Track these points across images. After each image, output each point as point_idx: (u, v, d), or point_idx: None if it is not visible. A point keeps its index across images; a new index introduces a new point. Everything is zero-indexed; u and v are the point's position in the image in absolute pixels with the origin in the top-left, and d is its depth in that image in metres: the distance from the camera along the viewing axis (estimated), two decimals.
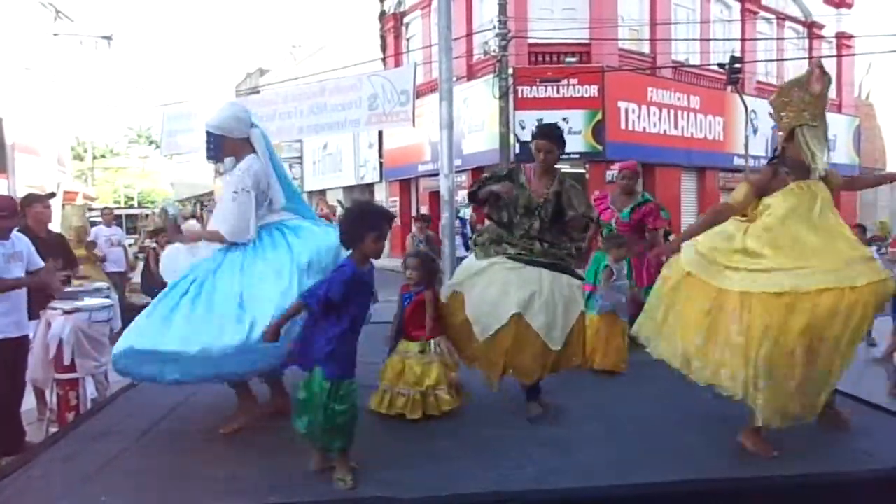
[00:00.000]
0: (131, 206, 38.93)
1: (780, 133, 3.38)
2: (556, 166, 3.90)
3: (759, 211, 3.30)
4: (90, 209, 17.81)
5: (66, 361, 4.30)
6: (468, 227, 12.00)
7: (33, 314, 4.62)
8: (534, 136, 3.92)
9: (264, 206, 3.66)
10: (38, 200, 5.33)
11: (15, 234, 4.54)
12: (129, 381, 4.64)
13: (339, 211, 10.75)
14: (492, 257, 3.77)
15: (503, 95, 16.73)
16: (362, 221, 2.93)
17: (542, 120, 17.46)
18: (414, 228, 9.76)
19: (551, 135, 3.86)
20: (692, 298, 3.28)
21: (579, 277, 3.89)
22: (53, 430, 4.53)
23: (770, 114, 3.48)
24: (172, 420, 3.85)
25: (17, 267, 4.40)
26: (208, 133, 3.72)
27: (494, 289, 3.66)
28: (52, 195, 5.79)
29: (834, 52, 24.18)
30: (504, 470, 3.06)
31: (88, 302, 4.58)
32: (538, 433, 3.53)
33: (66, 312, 4.23)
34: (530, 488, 2.88)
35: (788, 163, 3.31)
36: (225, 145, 3.69)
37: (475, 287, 3.72)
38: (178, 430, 3.70)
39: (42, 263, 4.61)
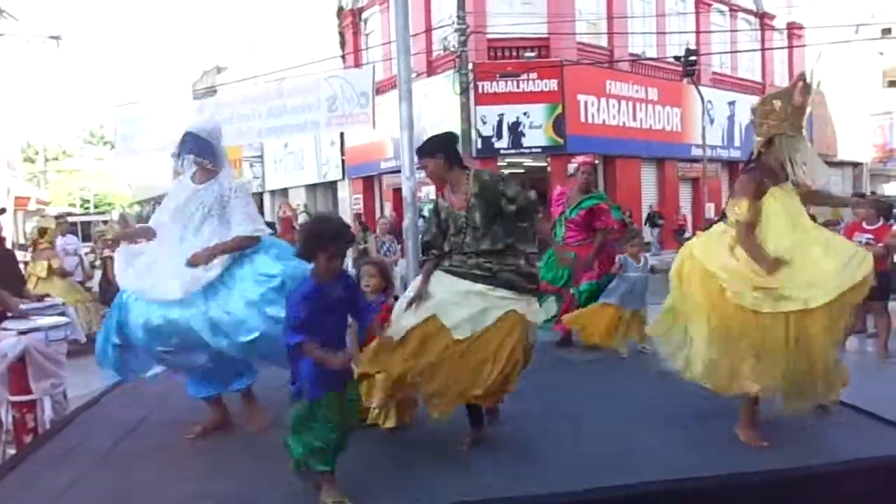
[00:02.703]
0: (87, 211, 37.99)
1: (759, 139, 3.46)
2: (460, 170, 3.53)
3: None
4: (42, 216, 17.31)
5: (21, 383, 4.17)
6: None
7: None
8: None
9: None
10: None
11: None
12: (87, 398, 4.59)
13: (302, 215, 10.68)
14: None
15: (464, 91, 16.75)
16: (313, 239, 2.83)
17: (502, 115, 17.66)
18: (378, 229, 9.72)
19: (421, 151, 3.61)
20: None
21: (528, 289, 3.48)
22: (11, 451, 4.41)
23: (751, 120, 3.57)
24: (133, 438, 3.78)
25: None
26: (194, 135, 3.74)
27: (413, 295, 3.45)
28: (3, 210, 5.62)
29: (785, 42, 24.77)
30: (471, 477, 3.08)
31: (44, 321, 4.45)
32: (502, 437, 3.53)
33: (21, 333, 4.10)
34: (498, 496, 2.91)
35: (764, 168, 3.41)
36: (211, 149, 3.76)
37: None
38: (139, 448, 3.63)
39: None
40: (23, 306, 4.55)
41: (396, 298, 3.82)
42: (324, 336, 2.77)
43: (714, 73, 22.44)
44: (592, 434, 3.59)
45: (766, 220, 3.34)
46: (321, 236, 2.82)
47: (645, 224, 19.51)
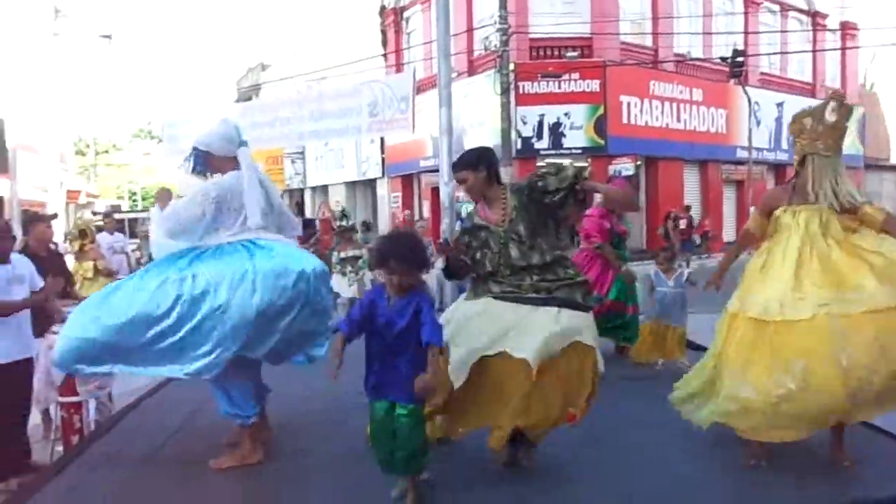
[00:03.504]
0: (134, 207, 39.05)
1: (796, 158, 3.43)
2: (498, 186, 3.39)
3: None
4: (94, 213, 17.77)
5: (68, 385, 4.31)
6: None
7: (38, 333, 4.64)
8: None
9: (237, 222, 3.59)
10: (40, 220, 5.35)
11: (16, 256, 4.56)
12: (132, 401, 4.72)
13: (341, 216, 10.77)
14: (478, 297, 3.35)
15: (504, 91, 16.67)
16: (377, 252, 2.95)
17: (543, 116, 17.54)
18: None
19: (458, 164, 3.42)
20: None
21: (585, 307, 3.28)
22: (59, 448, 4.57)
23: (788, 139, 3.55)
24: (174, 445, 3.88)
25: (19, 290, 4.41)
26: (194, 148, 3.75)
27: (472, 327, 3.23)
28: (55, 216, 5.81)
29: (838, 42, 24.02)
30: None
31: None
32: (534, 462, 3.45)
33: None
34: None
35: (797, 187, 3.36)
36: (210, 162, 3.72)
37: (461, 330, 3.24)
38: (180, 456, 3.72)
39: (43, 283, 4.64)
40: (68, 310, 4.68)
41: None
42: (373, 348, 2.89)
43: (762, 73, 21.91)
44: (629, 461, 3.51)
45: (778, 235, 3.32)
46: (378, 252, 2.94)
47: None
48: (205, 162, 3.71)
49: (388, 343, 2.86)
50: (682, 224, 17.51)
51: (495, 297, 3.26)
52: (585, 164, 18.19)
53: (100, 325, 3.37)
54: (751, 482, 3.24)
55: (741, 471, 3.34)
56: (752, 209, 19.74)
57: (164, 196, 3.92)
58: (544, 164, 3.38)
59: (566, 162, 3.31)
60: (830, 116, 3.25)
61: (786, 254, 3.24)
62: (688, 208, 18.56)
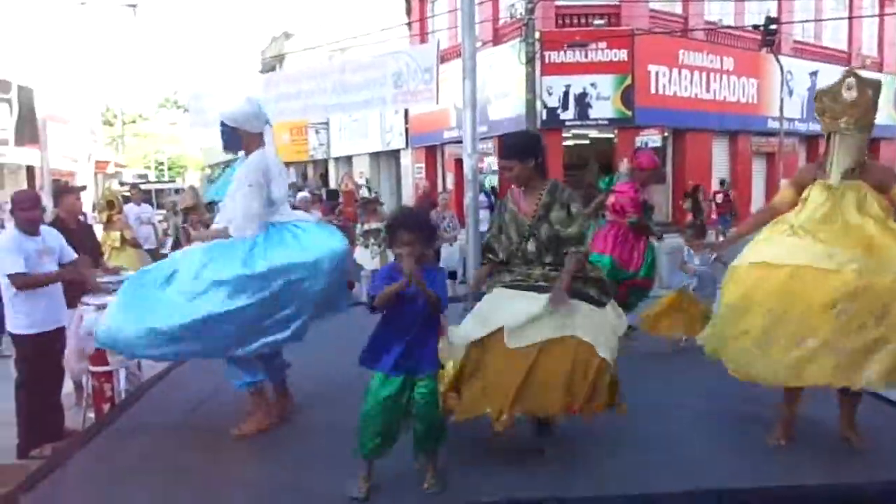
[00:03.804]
0: (160, 177, 39.49)
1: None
2: (542, 178, 3.37)
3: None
4: (121, 184, 17.98)
5: (99, 355, 4.42)
6: (493, 197, 11.93)
7: (70, 303, 4.75)
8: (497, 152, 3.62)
9: (266, 196, 3.70)
10: (69, 192, 5.44)
11: (45, 228, 4.65)
12: (160, 371, 4.82)
13: (363, 190, 10.79)
14: (492, 287, 3.35)
15: (530, 60, 16.40)
16: (388, 227, 3.01)
17: (569, 86, 17.26)
18: (438, 204, 9.72)
19: (508, 150, 3.39)
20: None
21: (598, 302, 3.26)
22: (90, 415, 4.70)
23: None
24: (201, 415, 3.97)
25: (49, 262, 4.52)
26: (222, 124, 3.81)
27: (483, 310, 3.23)
28: (84, 188, 5.90)
29: (876, 8, 23.21)
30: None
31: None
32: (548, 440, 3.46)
33: (99, 308, 4.33)
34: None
35: (828, 168, 3.29)
36: (240, 137, 3.80)
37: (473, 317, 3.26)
38: (207, 425, 3.81)
39: (74, 255, 4.73)
40: (100, 279, 4.79)
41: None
42: (399, 322, 2.91)
43: (795, 41, 21.29)
44: (647, 440, 3.51)
45: (805, 206, 3.26)
46: (392, 223, 3.01)
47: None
48: (233, 137, 3.81)
49: (415, 318, 2.90)
50: (720, 198, 17.31)
51: (505, 286, 3.27)
52: (612, 136, 17.94)
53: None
54: (774, 461, 3.23)
55: (762, 451, 3.32)
56: (782, 181, 19.40)
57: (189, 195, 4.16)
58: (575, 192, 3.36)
59: (585, 231, 3.21)
60: (848, 94, 3.17)
61: (813, 217, 3.18)
62: (722, 182, 18.26)
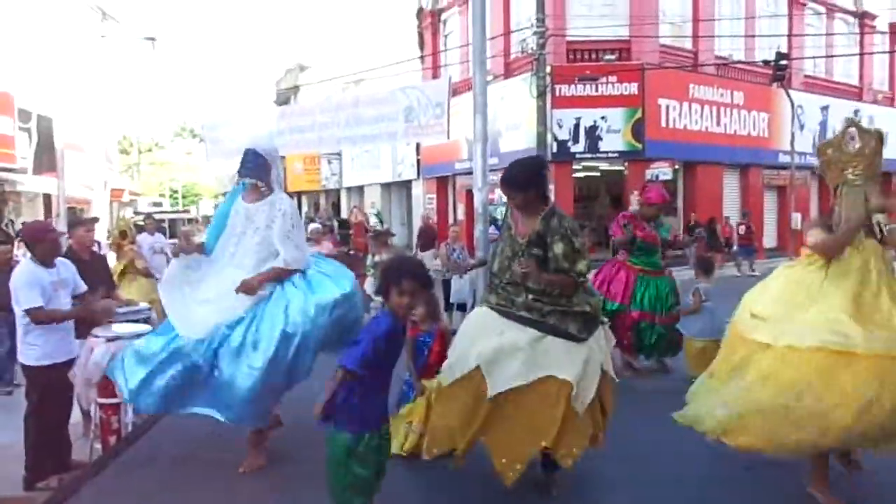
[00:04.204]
0: (175, 205, 39.87)
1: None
2: (543, 205, 3.39)
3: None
4: (136, 212, 18.13)
5: (107, 387, 4.43)
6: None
7: (80, 335, 4.78)
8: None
9: None
10: (81, 224, 5.51)
11: (59, 260, 4.70)
12: None
13: (374, 221, 10.84)
14: (481, 305, 3.47)
15: (541, 94, 16.56)
16: (387, 274, 2.90)
17: (579, 119, 17.39)
18: (449, 236, 9.74)
19: (509, 184, 3.40)
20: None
21: (577, 338, 3.26)
22: (97, 446, 4.70)
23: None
24: (208, 449, 3.96)
25: (64, 294, 4.55)
26: (255, 153, 3.87)
27: (466, 339, 3.33)
28: (96, 220, 5.97)
29: (887, 44, 23.31)
30: None
31: (129, 329, 4.72)
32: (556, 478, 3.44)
33: (109, 340, 4.36)
34: None
35: (836, 220, 3.24)
36: (269, 168, 3.89)
37: (458, 340, 3.44)
38: (213, 460, 3.80)
39: (85, 287, 4.77)
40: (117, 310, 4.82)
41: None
42: (383, 375, 2.84)
43: (806, 76, 21.38)
44: (657, 478, 3.48)
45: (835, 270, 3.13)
46: (395, 270, 2.88)
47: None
48: (265, 169, 3.89)
49: (389, 368, 2.87)
50: (742, 230, 17.69)
51: (490, 308, 3.35)
52: (622, 169, 18.00)
53: None
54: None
55: (770, 487, 3.27)
56: (793, 215, 19.33)
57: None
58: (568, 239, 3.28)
59: (580, 265, 3.32)
60: (851, 145, 3.15)
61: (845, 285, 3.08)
62: (744, 214, 18.53)
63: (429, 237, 9.96)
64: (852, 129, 3.16)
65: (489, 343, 3.18)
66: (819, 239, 3.19)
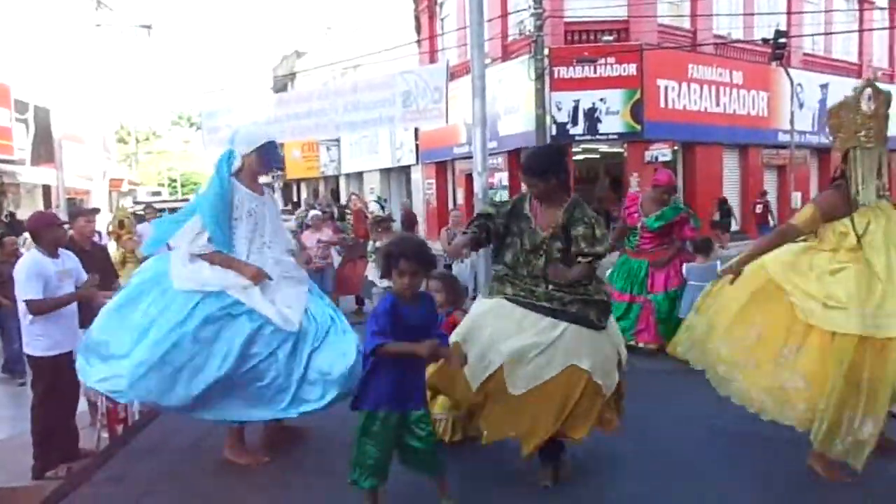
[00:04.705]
0: (174, 195, 39.84)
1: (837, 154, 3.25)
2: (563, 193, 3.34)
3: (835, 238, 3.19)
4: (135, 202, 18.12)
5: None
6: None
7: (83, 323, 4.81)
8: (520, 168, 3.50)
9: None
10: (82, 214, 5.52)
11: (63, 251, 4.71)
12: None
13: (374, 207, 10.81)
14: (493, 296, 3.35)
15: (539, 76, 16.49)
16: (387, 256, 2.94)
17: (578, 101, 17.33)
18: (450, 221, 9.75)
19: (531, 170, 3.33)
20: (772, 313, 3.23)
21: (597, 326, 3.25)
22: (104, 435, 4.75)
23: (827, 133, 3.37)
24: (214, 437, 3.98)
25: (68, 284, 4.57)
26: (276, 145, 3.93)
27: (485, 332, 3.23)
28: (97, 210, 5.98)
29: (887, 21, 23.15)
30: None
31: None
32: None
33: None
34: None
35: (850, 186, 3.17)
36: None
37: (472, 330, 3.29)
38: (219, 447, 3.82)
39: (86, 277, 4.79)
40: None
41: (465, 311, 3.82)
42: (396, 359, 2.85)
43: (805, 54, 21.26)
44: (661, 465, 3.49)
45: (866, 240, 3.07)
46: (393, 250, 2.92)
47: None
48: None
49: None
50: (759, 208, 18.27)
51: (507, 299, 3.26)
52: (622, 151, 17.98)
53: None
54: (787, 489, 3.21)
55: (775, 475, 3.31)
56: (793, 194, 19.34)
57: None
58: (591, 219, 3.26)
59: (599, 247, 3.27)
60: (867, 105, 3.08)
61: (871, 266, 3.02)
62: (763, 193, 18.92)
63: (410, 223, 10.30)
64: (869, 90, 3.09)
65: (510, 343, 3.15)
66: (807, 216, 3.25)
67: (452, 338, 3.21)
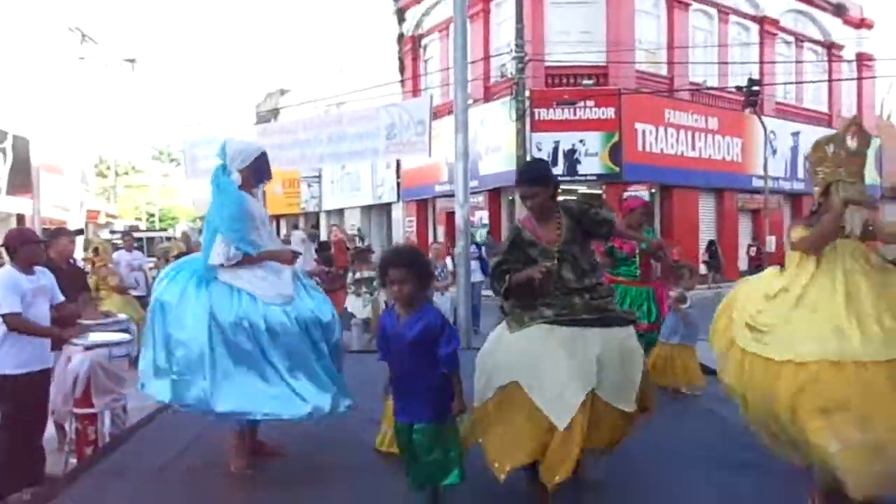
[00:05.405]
0: (152, 226, 39.47)
1: (816, 189, 3.24)
2: (555, 204, 3.33)
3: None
4: (112, 232, 17.92)
5: (84, 397, 4.36)
6: (484, 251, 12.02)
7: (55, 346, 4.70)
8: (516, 183, 3.45)
9: None
10: (65, 234, 5.45)
11: (38, 268, 4.63)
12: (145, 414, 4.74)
13: (356, 238, 10.82)
14: (526, 325, 3.17)
15: (520, 117, 16.81)
16: (379, 266, 3.03)
17: (558, 142, 17.64)
18: (430, 253, 9.77)
19: (532, 178, 3.33)
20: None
21: (629, 321, 3.31)
22: (72, 460, 4.60)
23: (805, 168, 3.42)
24: (188, 457, 3.89)
25: (43, 301, 4.47)
26: (266, 154, 3.97)
27: (549, 367, 3.05)
28: (80, 231, 5.92)
29: (854, 72, 24.02)
30: None
31: (108, 337, 4.66)
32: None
33: (87, 349, 4.30)
34: None
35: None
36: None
37: (533, 369, 3.08)
38: (193, 467, 3.74)
39: (62, 298, 4.70)
40: (85, 321, 4.75)
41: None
42: (394, 367, 2.95)
43: (778, 102, 21.94)
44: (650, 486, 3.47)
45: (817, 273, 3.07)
46: (381, 266, 3.01)
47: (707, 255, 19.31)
48: None
49: (404, 362, 2.89)
50: (753, 251, 19.59)
51: (549, 323, 3.14)
52: (600, 192, 18.23)
53: None
54: None
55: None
56: (768, 238, 19.73)
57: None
58: (581, 196, 3.35)
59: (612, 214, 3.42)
60: (851, 142, 3.15)
61: (834, 289, 3.00)
62: (754, 238, 20.00)
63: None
64: (854, 128, 3.13)
65: (583, 368, 3.05)
66: (801, 236, 3.21)
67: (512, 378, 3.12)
